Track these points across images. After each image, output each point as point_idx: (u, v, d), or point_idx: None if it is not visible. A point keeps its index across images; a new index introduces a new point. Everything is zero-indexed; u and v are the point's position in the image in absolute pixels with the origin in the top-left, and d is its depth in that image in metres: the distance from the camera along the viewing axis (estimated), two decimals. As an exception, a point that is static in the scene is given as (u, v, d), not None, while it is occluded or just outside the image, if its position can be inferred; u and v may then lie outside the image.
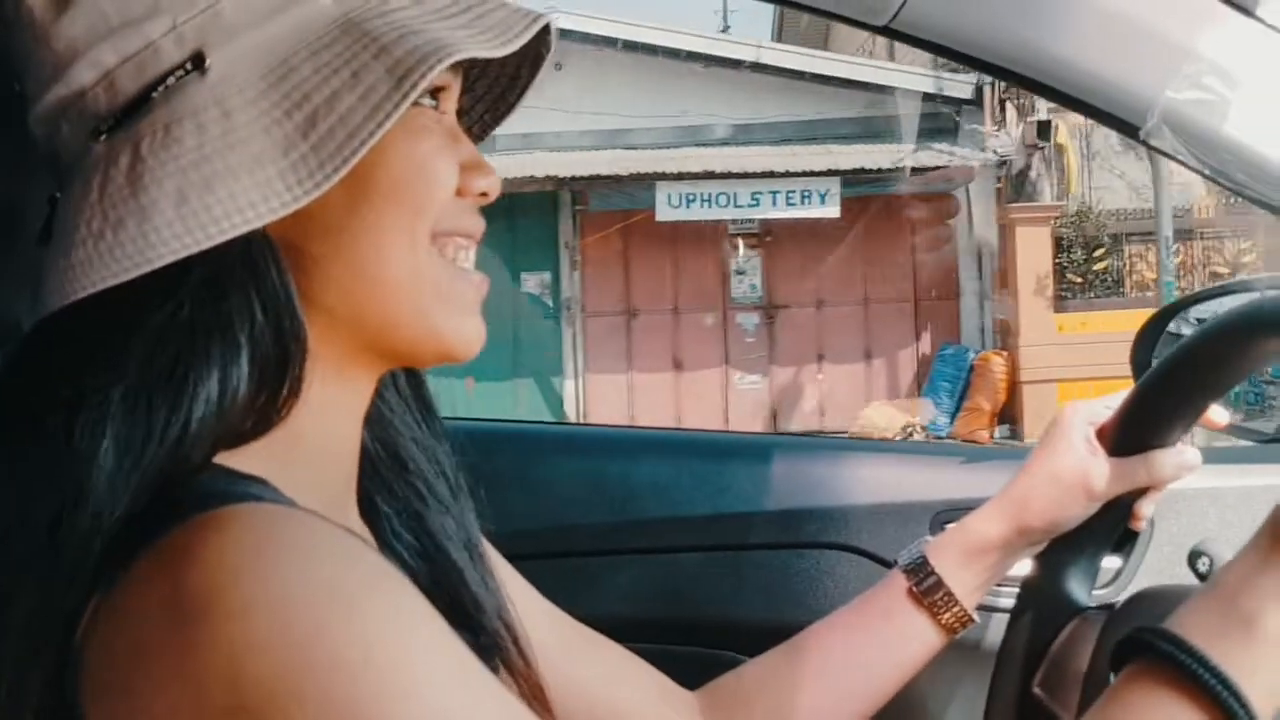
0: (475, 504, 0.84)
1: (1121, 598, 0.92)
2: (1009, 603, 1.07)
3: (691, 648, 1.28)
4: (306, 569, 0.51)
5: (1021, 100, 15.36)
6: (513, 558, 0.87)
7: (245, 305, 0.60)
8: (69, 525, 0.55)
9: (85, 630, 0.53)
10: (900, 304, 14.05)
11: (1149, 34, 1.00)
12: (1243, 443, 1.23)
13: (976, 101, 13.81)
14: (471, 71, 0.76)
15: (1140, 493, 0.93)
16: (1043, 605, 0.96)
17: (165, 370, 0.58)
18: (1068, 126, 13.86)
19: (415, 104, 0.64)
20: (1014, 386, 12.78)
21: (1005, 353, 13.08)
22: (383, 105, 0.58)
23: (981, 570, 0.94)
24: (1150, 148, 1.01)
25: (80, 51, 0.60)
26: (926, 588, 0.93)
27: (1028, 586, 0.99)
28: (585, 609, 0.90)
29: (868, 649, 0.93)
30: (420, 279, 0.65)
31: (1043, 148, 13.86)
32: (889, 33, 1.06)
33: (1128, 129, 1.01)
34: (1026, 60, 1.03)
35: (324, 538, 0.54)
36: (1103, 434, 0.93)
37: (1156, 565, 1.24)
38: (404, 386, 0.78)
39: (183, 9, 0.59)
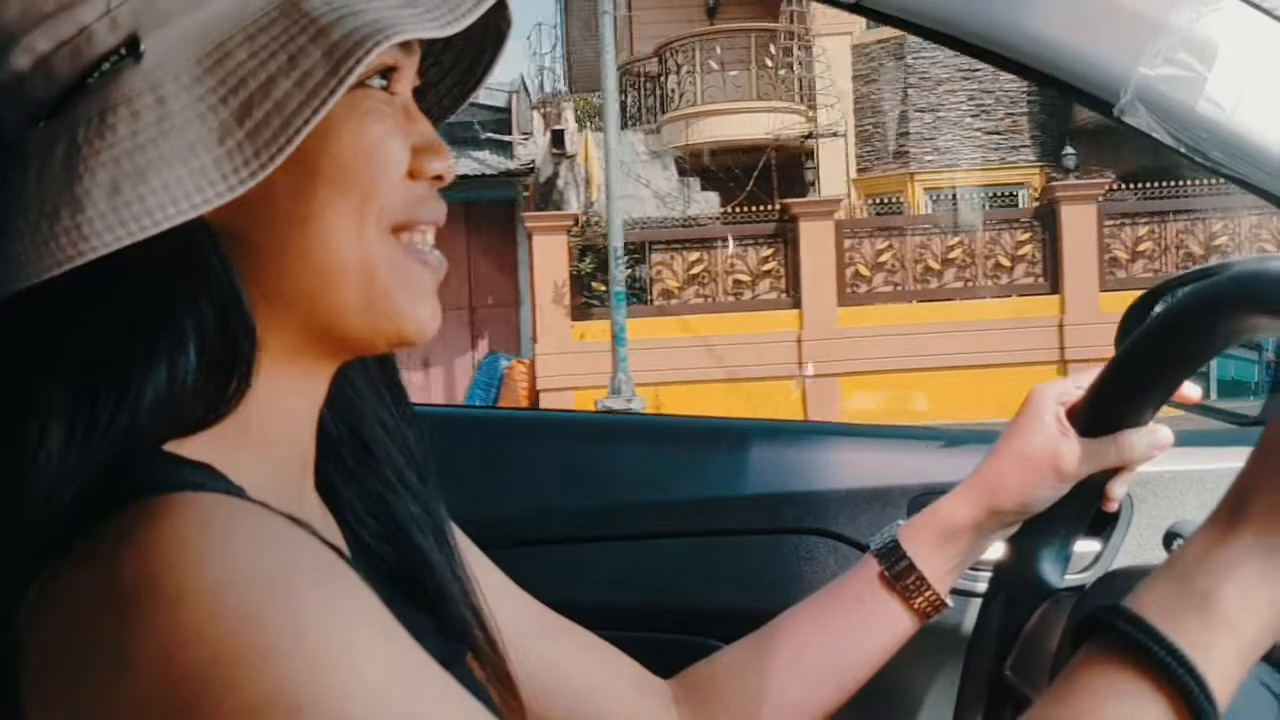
0: (446, 491, 0.84)
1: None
2: (983, 587, 1.06)
3: (669, 634, 1.27)
4: (241, 557, 0.51)
5: (548, 110, 15.84)
6: (487, 545, 0.86)
7: (188, 297, 0.59)
8: (9, 517, 0.55)
9: (23, 620, 0.53)
10: (457, 311, 14.64)
11: (1121, 9, 0.99)
12: (1228, 426, 1.22)
13: (507, 110, 14.24)
14: (434, 46, 0.74)
15: (1112, 473, 0.92)
16: (1015, 587, 0.96)
17: (110, 363, 0.57)
18: (594, 136, 14.15)
19: (363, 85, 0.63)
20: (535, 395, 13.14)
21: (528, 361, 13.52)
22: (319, 91, 0.56)
23: (954, 554, 0.93)
24: (1124, 125, 0.99)
25: (15, 36, 0.59)
26: (898, 572, 0.92)
27: (1000, 569, 0.98)
28: (561, 596, 0.89)
29: (840, 634, 0.92)
30: (371, 264, 0.63)
31: (567, 157, 14.23)
32: (858, 9, 1.05)
33: (1101, 106, 1.00)
34: (997, 37, 1.02)
35: (262, 526, 0.53)
36: (1073, 414, 0.92)
37: (1137, 549, 1.23)
38: (373, 370, 0.76)
39: None
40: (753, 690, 0.92)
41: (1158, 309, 1.18)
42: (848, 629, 0.93)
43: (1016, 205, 16.07)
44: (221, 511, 0.53)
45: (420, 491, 0.77)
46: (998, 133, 16.63)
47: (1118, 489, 0.93)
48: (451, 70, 0.76)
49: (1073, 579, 0.99)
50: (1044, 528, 0.94)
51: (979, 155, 16.42)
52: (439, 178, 0.67)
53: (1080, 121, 15.70)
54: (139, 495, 0.54)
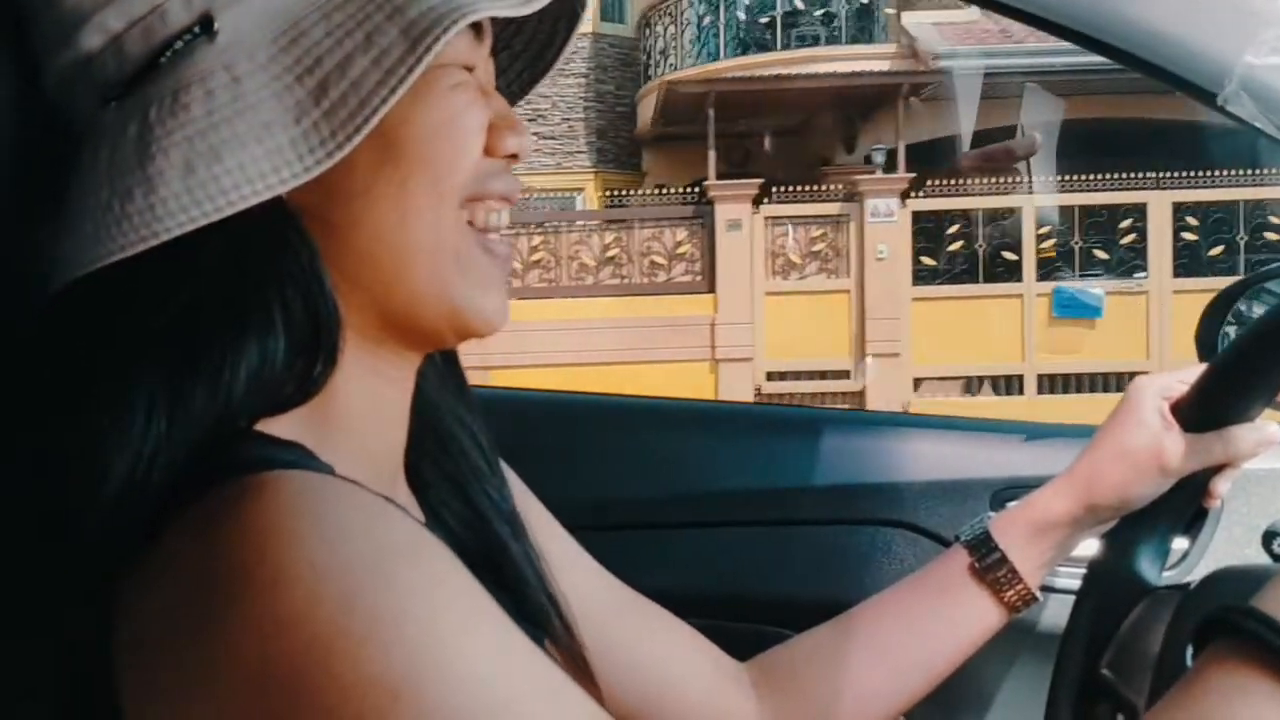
0: (519, 474, 0.84)
1: (1194, 578, 0.89)
2: (1067, 582, 1.04)
3: (741, 623, 1.26)
4: (338, 538, 0.49)
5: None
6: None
7: (273, 277, 0.58)
8: (94, 508, 0.54)
9: (118, 608, 0.52)
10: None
11: (1227, -3, 0.97)
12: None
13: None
14: (507, 28, 0.73)
15: (1215, 470, 0.90)
16: (1112, 585, 0.94)
17: (199, 345, 0.56)
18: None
19: (442, 66, 0.62)
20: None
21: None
22: (396, 69, 0.55)
23: (1047, 548, 0.91)
24: (1228, 115, 0.97)
25: (87, 15, 0.58)
26: (989, 564, 0.90)
27: (1095, 566, 0.96)
28: (632, 583, 0.88)
29: (924, 625, 0.91)
30: (442, 247, 0.63)
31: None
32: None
33: (1204, 96, 0.98)
34: (1100, 25, 1.00)
35: (358, 506, 0.52)
36: (1176, 408, 0.90)
37: (1225, 546, 1.21)
38: (438, 360, 0.76)
39: None
40: (833, 677, 0.91)
41: (1240, 305, 1.15)
42: (933, 619, 0.91)
43: (574, 209, 16.18)
44: (314, 490, 0.52)
45: (489, 479, 0.76)
46: (554, 138, 16.95)
47: (1222, 485, 0.91)
48: (522, 54, 0.75)
49: (1165, 575, 0.97)
50: (1142, 524, 0.92)
51: (536, 159, 16.41)
52: (514, 156, 0.67)
53: (642, 130, 16.16)
54: (231, 475, 0.53)
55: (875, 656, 0.91)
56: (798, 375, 12.33)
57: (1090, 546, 0.96)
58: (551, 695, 0.52)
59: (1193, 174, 12.18)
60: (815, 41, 15.05)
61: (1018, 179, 12.14)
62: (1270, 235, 12.16)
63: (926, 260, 12.38)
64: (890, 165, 13.20)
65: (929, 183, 12.39)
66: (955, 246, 12.42)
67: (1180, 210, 12.24)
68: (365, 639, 0.47)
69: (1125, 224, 12.38)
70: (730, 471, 1.33)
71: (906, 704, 0.91)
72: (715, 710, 0.88)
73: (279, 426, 0.59)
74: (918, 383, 12.17)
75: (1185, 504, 0.91)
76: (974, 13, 14.16)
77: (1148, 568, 0.92)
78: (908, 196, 12.56)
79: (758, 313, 12.37)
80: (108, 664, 0.52)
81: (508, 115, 0.66)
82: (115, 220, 0.54)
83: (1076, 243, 12.62)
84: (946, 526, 1.27)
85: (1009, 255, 12.28)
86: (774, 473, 1.33)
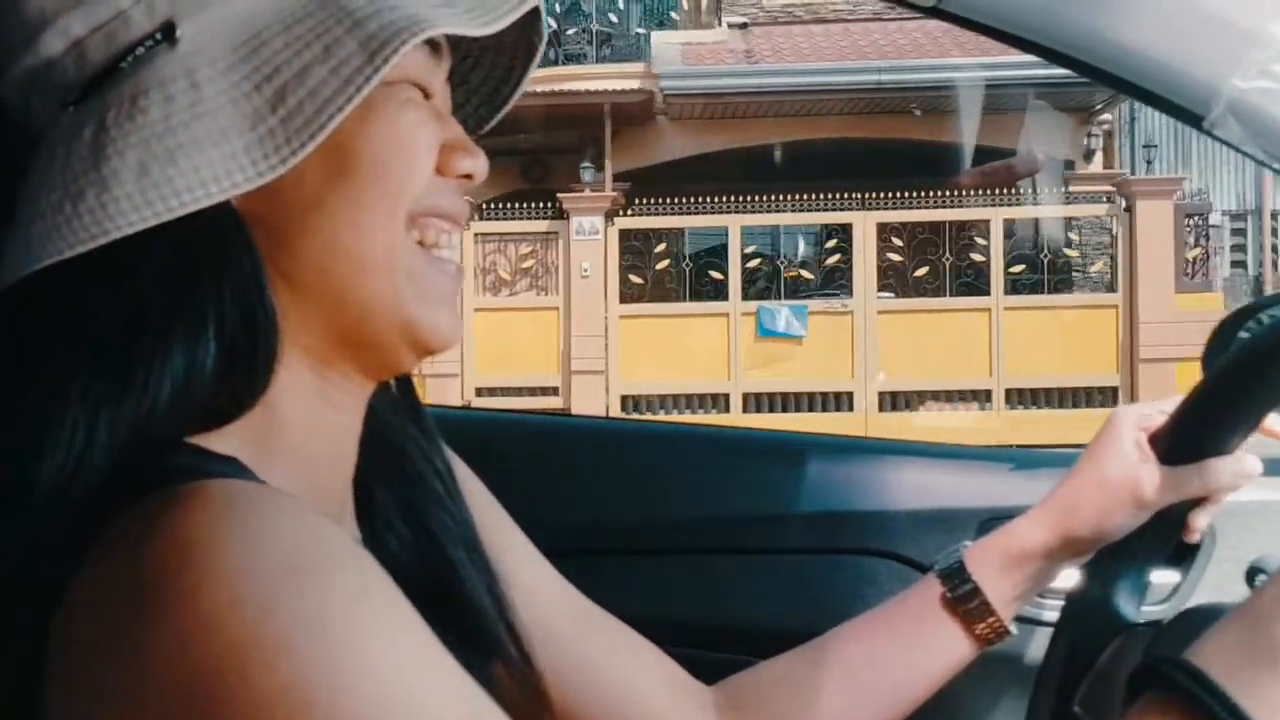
0: (497, 496, 0.82)
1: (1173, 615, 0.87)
2: (1053, 615, 1.02)
3: (719, 653, 1.23)
4: (260, 545, 0.50)
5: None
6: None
7: (210, 282, 0.58)
8: (25, 505, 0.54)
9: (54, 618, 0.52)
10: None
11: (1214, 19, 0.95)
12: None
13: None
14: (464, 62, 0.74)
15: (1195, 503, 0.88)
16: (1088, 619, 0.91)
17: (128, 347, 0.56)
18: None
19: (396, 82, 0.63)
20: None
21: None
22: (354, 79, 0.56)
23: (1022, 580, 0.89)
24: (1215, 138, 0.95)
25: (49, 20, 0.59)
26: (961, 595, 0.88)
27: (1073, 598, 0.94)
28: (608, 609, 0.86)
29: (893, 654, 0.89)
30: (394, 262, 0.63)
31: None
32: (938, 14, 1.01)
33: (1191, 118, 0.96)
34: (1084, 45, 0.98)
35: (283, 513, 0.52)
36: (1155, 439, 0.87)
37: (1218, 582, 1.17)
38: (394, 388, 0.75)
39: None
40: (800, 704, 0.89)
41: (1242, 334, 1.13)
42: (903, 649, 0.90)
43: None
44: (240, 498, 0.52)
45: (449, 502, 0.76)
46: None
47: (1200, 519, 0.88)
48: (479, 89, 0.76)
49: (1151, 611, 0.95)
50: (1121, 556, 0.90)
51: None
52: (469, 177, 0.67)
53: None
54: (160, 485, 0.53)
55: (843, 683, 0.89)
56: (506, 391, 12.39)
57: (1072, 578, 0.94)
58: (468, 714, 0.51)
59: (900, 195, 12.33)
60: (580, 59, 15.08)
61: (727, 198, 12.25)
62: (976, 256, 12.34)
63: (634, 278, 12.48)
64: (642, 185, 13.20)
65: (638, 200, 12.50)
66: (663, 265, 12.55)
67: (886, 231, 12.44)
68: (280, 647, 0.47)
69: (831, 243, 12.64)
70: (711, 497, 1.31)
71: None
72: None
73: (217, 442, 0.59)
74: (625, 400, 12.21)
75: (1163, 537, 0.89)
76: (722, 34, 14.32)
77: (1125, 602, 0.90)
78: (615, 215, 12.65)
79: (469, 328, 12.34)
80: (37, 671, 0.52)
81: (461, 137, 0.67)
82: (66, 219, 0.55)
83: (783, 261, 12.81)
84: (933, 556, 1.24)
85: (716, 274, 12.39)
86: (756, 499, 1.30)
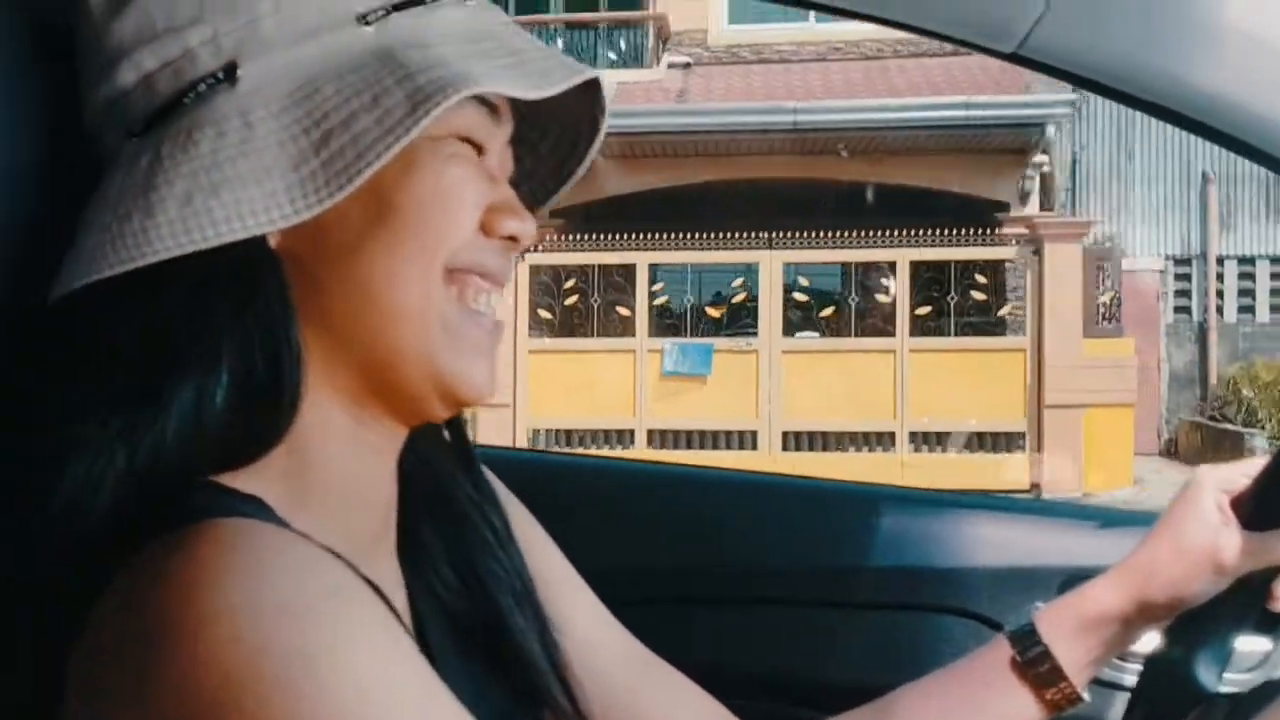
0: (555, 540, 0.82)
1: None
2: (1133, 680, 0.98)
3: (783, 707, 1.21)
4: (260, 582, 0.51)
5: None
6: (605, 602, 0.84)
7: (231, 315, 0.60)
8: (41, 531, 0.56)
9: (70, 649, 0.53)
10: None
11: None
12: None
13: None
14: (533, 132, 0.75)
15: (1277, 570, 0.83)
16: (1167, 686, 0.87)
17: (142, 375, 0.58)
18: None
19: (445, 137, 0.64)
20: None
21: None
22: (395, 127, 0.58)
23: (1096, 645, 0.85)
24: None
25: (125, 52, 0.62)
26: (1032, 658, 0.85)
27: (1152, 664, 0.90)
28: (671, 658, 0.85)
29: (961, 715, 0.86)
30: (429, 311, 0.63)
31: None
32: (1016, 59, 0.99)
33: (1276, 165, 0.92)
34: (1166, 90, 0.95)
35: (284, 550, 0.53)
36: (1237, 503, 0.84)
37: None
38: (445, 436, 0.76)
39: (224, 20, 0.61)
40: None
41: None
42: (970, 712, 0.87)
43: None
44: (245, 536, 0.53)
45: (498, 551, 0.76)
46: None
47: None
48: (547, 159, 0.77)
49: (1234, 679, 0.90)
50: (1202, 623, 0.85)
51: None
52: (514, 239, 0.67)
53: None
54: (176, 522, 0.54)
55: None
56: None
57: (1153, 642, 0.90)
58: None
59: (814, 234, 12.13)
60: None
61: (638, 235, 12.19)
62: (881, 298, 12.11)
63: (544, 313, 12.40)
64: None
65: (571, 236, 12.38)
66: (571, 301, 12.44)
67: (792, 270, 12.32)
68: (277, 683, 0.48)
69: (738, 282, 12.48)
70: (782, 546, 1.28)
71: None
72: None
73: (244, 481, 0.60)
74: (534, 434, 12.08)
75: (1247, 605, 0.84)
76: (660, 73, 14.26)
77: (1205, 670, 0.85)
78: (525, 251, 12.41)
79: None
80: (57, 700, 0.53)
81: (510, 200, 0.68)
82: (111, 239, 0.57)
83: (690, 300, 12.71)
84: (1009, 616, 1.20)
85: (623, 311, 12.28)
86: (829, 550, 1.28)
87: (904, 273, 11.92)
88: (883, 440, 11.72)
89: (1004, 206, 12.54)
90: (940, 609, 1.23)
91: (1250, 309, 14.28)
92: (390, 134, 0.57)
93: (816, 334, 12.18)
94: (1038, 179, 12.76)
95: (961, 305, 11.93)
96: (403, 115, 0.58)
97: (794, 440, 11.80)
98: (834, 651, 1.24)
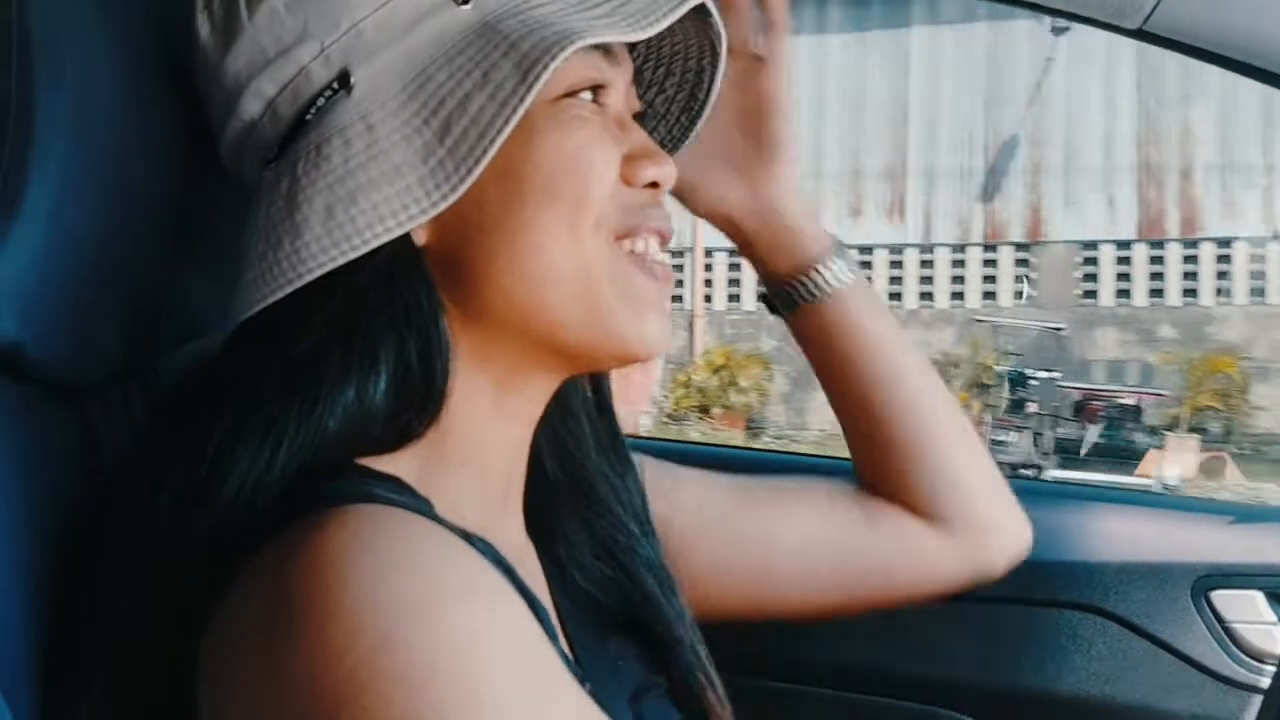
0: None
1: None
2: (1266, 682, 0.94)
3: (909, 703, 1.18)
4: (388, 575, 0.50)
5: None
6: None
7: (385, 317, 0.60)
8: (197, 524, 0.57)
9: (206, 625, 0.54)
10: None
11: None
12: None
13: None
14: (658, 71, 0.75)
15: None
16: None
17: (304, 382, 0.59)
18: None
19: (570, 96, 0.63)
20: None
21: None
22: (509, 100, 0.57)
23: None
24: None
25: (245, 84, 0.63)
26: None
27: None
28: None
29: None
30: (589, 273, 0.63)
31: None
32: (1141, 35, 0.96)
33: None
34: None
35: (417, 542, 0.53)
36: None
37: None
38: (593, 415, 0.76)
39: (328, 32, 0.61)
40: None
41: None
42: None
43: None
44: (378, 525, 0.53)
45: (640, 539, 0.76)
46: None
47: None
48: (676, 97, 0.76)
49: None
50: None
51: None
52: (654, 184, 0.67)
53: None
54: (312, 508, 0.54)
55: None
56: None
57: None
58: None
59: None
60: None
61: None
62: None
63: None
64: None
65: None
66: None
67: None
68: (398, 677, 0.47)
69: None
70: None
71: None
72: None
73: (385, 461, 0.61)
74: None
75: None
76: None
77: None
78: None
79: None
80: (190, 682, 0.54)
81: (645, 145, 0.68)
82: (268, 266, 0.58)
83: None
84: (1141, 614, 1.16)
85: None
86: None
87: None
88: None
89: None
90: (1066, 604, 1.19)
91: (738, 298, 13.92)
92: (506, 107, 0.57)
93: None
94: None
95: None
96: (514, 85, 0.58)
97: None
98: (957, 646, 1.20)
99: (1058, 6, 1.02)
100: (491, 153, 0.57)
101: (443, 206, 0.58)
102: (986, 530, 0.89)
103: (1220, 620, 1.15)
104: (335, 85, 0.61)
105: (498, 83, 0.58)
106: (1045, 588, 1.20)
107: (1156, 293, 11.95)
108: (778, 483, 0.90)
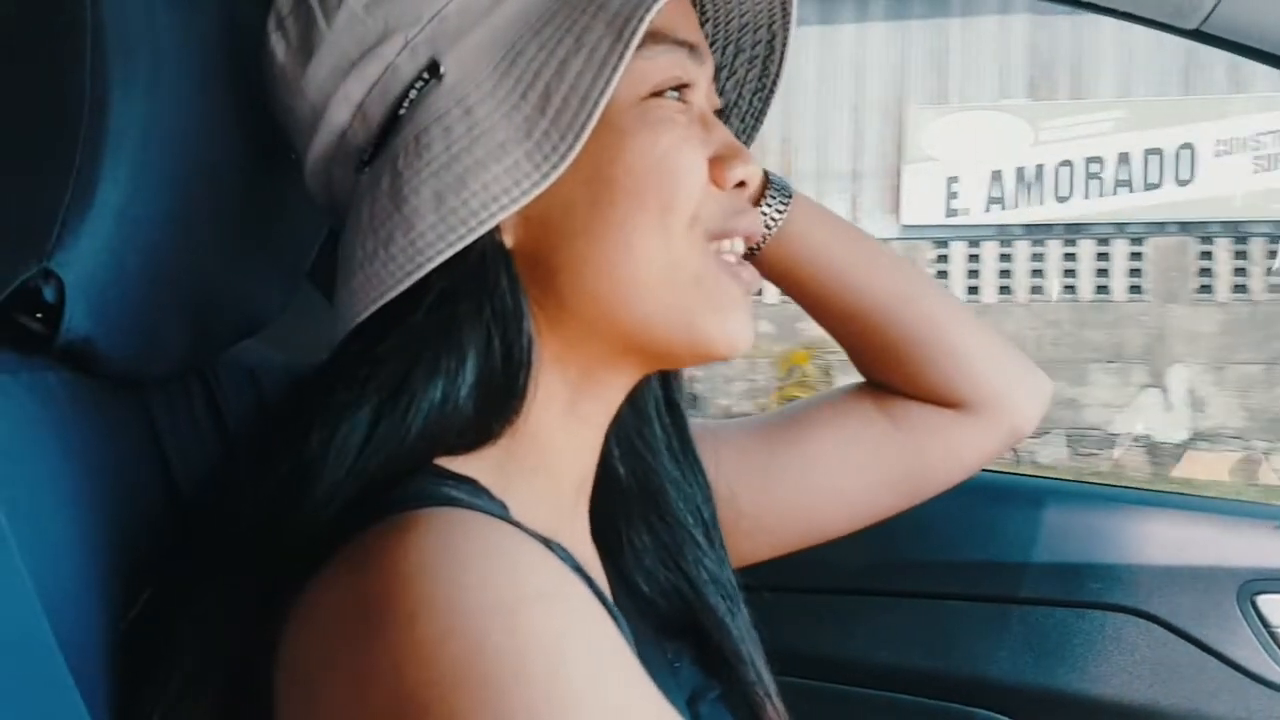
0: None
1: None
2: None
3: (950, 704, 1.18)
4: (474, 579, 0.50)
5: None
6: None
7: (475, 318, 0.60)
8: (287, 524, 0.57)
9: (285, 625, 0.54)
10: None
11: None
12: None
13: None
14: (726, 52, 0.74)
15: None
16: None
17: (392, 383, 0.59)
18: None
19: (656, 96, 0.63)
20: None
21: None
22: (607, 60, 0.57)
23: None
24: None
25: (330, 92, 0.63)
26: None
27: None
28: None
29: None
30: (677, 274, 0.63)
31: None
32: (1199, 36, 0.96)
33: None
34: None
35: (502, 546, 0.52)
36: None
37: None
38: (666, 424, 0.76)
39: (410, 24, 0.61)
40: None
41: None
42: None
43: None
44: (463, 529, 0.53)
45: (708, 551, 0.76)
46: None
47: None
48: (747, 78, 0.76)
49: None
50: None
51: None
52: (741, 184, 0.67)
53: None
54: (394, 509, 0.54)
55: None
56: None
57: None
58: None
59: None
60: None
61: None
62: None
63: None
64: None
65: None
66: None
67: None
68: (487, 681, 0.47)
69: None
70: (946, 541, 1.25)
71: None
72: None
73: (461, 462, 0.61)
74: None
75: None
76: None
77: None
78: None
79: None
80: (268, 679, 0.54)
81: (730, 143, 0.67)
82: (382, 264, 0.58)
83: None
84: (1186, 618, 1.16)
85: None
86: (995, 545, 1.24)
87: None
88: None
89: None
90: (1110, 607, 1.19)
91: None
92: (605, 67, 0.57)
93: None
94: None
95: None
96: (611, 44, 0.57)
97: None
98: (1001, 649, 1.20)
99: (1116, 7, 1.01)
100: (596, 115, 0.57)
101: (554, 177, 0.57)
102: (1004, 397, 0.88)
103: (1266, 625, 1.14)
104: (425, 76, 0.60)
105: (592, 45, 0.58)
106: (1089, 590, 1.20)
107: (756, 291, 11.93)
108: (794, 411, 0.91)
